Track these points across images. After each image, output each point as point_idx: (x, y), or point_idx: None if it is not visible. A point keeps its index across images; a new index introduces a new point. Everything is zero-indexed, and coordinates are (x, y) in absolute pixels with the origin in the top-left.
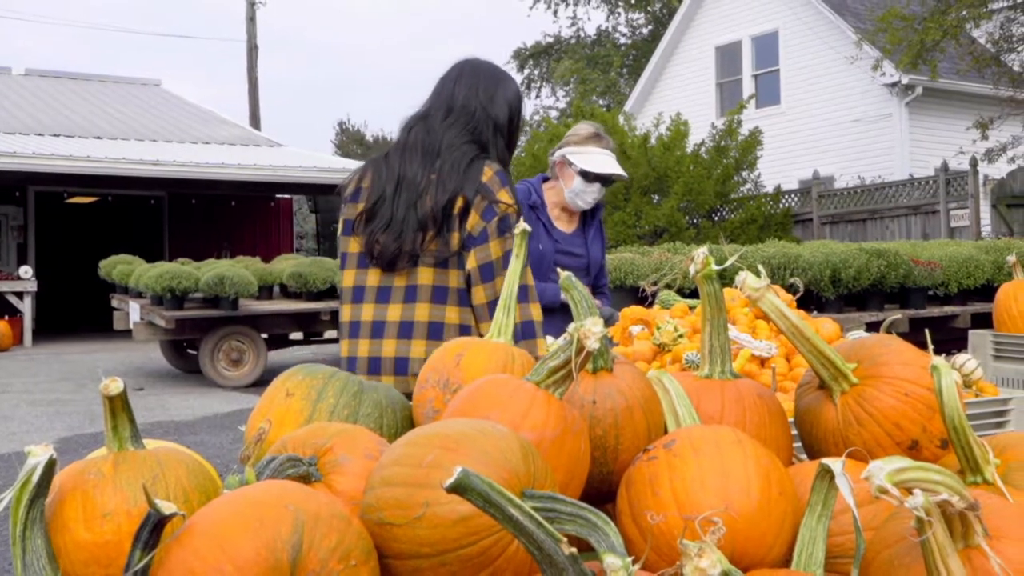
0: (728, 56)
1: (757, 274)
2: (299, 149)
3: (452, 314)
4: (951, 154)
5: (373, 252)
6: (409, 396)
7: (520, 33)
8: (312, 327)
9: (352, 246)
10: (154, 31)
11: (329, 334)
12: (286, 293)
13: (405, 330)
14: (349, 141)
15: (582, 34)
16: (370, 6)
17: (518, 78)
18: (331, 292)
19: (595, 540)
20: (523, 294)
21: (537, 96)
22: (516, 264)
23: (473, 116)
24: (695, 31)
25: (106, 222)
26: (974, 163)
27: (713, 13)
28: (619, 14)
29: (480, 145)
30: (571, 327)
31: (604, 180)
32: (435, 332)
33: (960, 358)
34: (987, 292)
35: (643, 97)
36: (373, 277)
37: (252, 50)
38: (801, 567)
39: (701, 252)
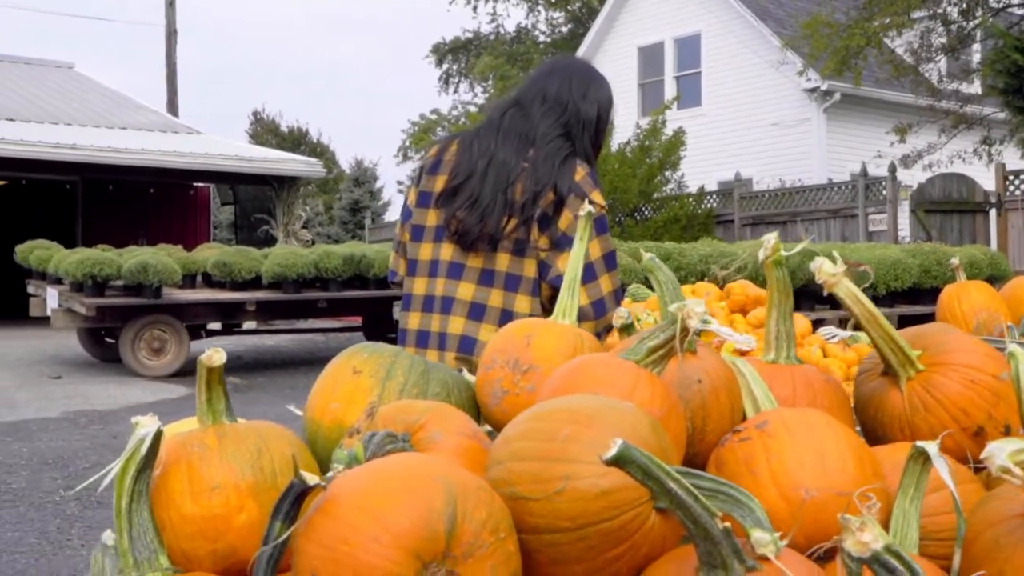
0: (650, 57)
1: (833, 260)
2: (218, 137)
3: (523, 303)
4: (868, 159)
5: (451, 227)
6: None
7: (440, 28)
8: (236, 317)
9: (430, 219)
10: (69, 12)
11: (248, 325)
12: (209, 282)
13: (476, 312)
14: (264, 131)
15: (502, 31)
16: None
17: (436, 73)
18: (256, 282)
19: (739, 515)
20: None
21: (455, 92)
22: (580, 247)
23: (566, 110)
24: (618, 31)
25: (17, 206)
26: (892, 169)
27: (636, 14)
28: (539, 12)
29: (570, 140)
30: (673, 307)
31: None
32: (505, 319)
33: None
34: (913, 295)
35: None
36: (447, 251)
37: (171, 35)
38: None
39: (771, 237)
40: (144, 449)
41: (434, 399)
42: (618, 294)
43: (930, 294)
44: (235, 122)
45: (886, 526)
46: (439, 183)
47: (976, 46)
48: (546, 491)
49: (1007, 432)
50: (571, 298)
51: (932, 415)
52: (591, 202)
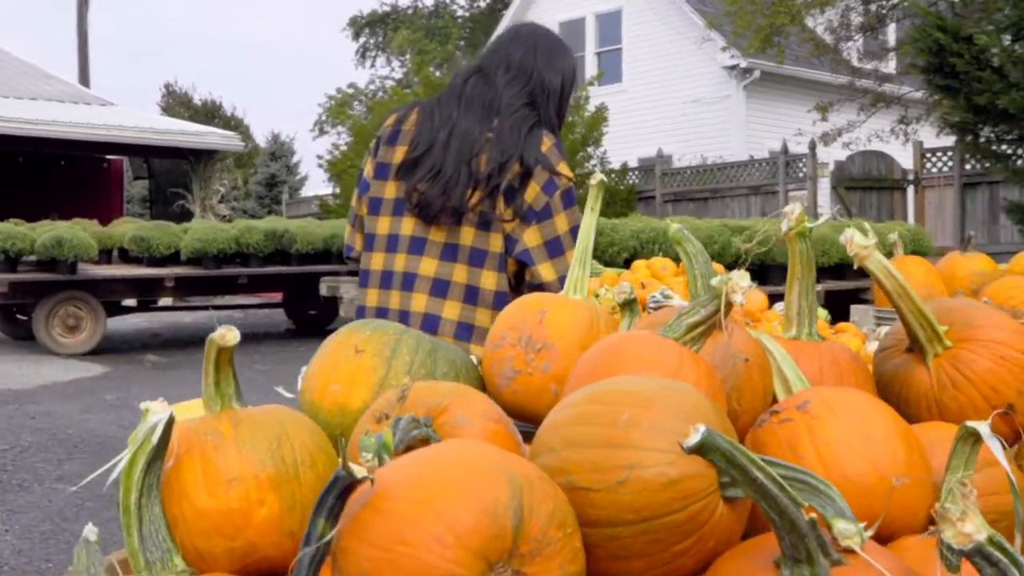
0: (572, 32)
1: (864, 232)
2: (131, 109)
3: (489, 279)
4: (787, 137)
5: (412, 200)
6: None
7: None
8: (154, 293)
9: (388, 191)
10: None
11: (164, 301)
12: (125, 258)
13: (439, 288)
14: (176, 104)
15: (420, 4)
16: None
17: (353, 47)
18: (174, 258)
19: (819, 504)
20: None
21: (372, 66)
22: (592, 218)
23: (531, 78)
24: (539, 6)
25: None
26: (812, 146)
27: None
28: None
29: (535, 109)
30: (715, 280)
31: None
32: (471, 295)
33: (884, 330)
34: (839, 271)
35: None
36: (407, 226)
37: (83, 4)
38: None
39: (796, 207)
40: (155, 439)
41: (442, 379)
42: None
43: (856, 270)
44: (147, 94)
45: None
46: (398, 154)
47: (892, 26)
48: (608, 481)
49: None
50: (582, 271)
51: (962, 393)
52: (559, 174)
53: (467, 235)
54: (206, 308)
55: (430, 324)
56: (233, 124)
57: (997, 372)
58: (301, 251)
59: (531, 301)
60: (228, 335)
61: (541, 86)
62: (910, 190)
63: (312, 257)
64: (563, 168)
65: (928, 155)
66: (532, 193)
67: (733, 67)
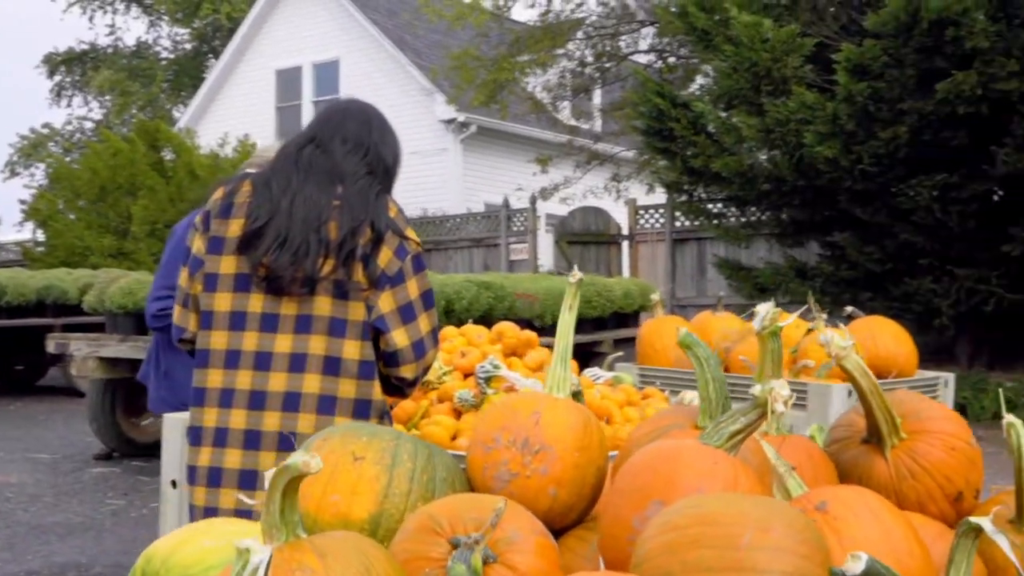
0: (288, 81)
1: (843, 335)
2: None
3: (352, 349)
4: (505, 191)
5: (259, 274)
6: (293, 435)
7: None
8: None
9: (225, 266)
10: None
11: None
12: None
13: (297, 363)
14: None
15: (121, 44)
16: None
17: (48, 84)
18: None
19: None
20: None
21: (69, 105)
22: (571, 316)
23: (368, 151)
24: (255, 52)
25: None
26: (533, 200)
27: (274, 36)
28: (161, 27)
29: (376, 178)
30: (757, 390)
31: None
32: (331, 367)
33: (688, 395)
34: (576, 324)
35: (198, 115)
36: (255, 303)
37: None
38: None
39: (767, 308)
40: None
41: (442, 484)
42: (435, 333)
43: (590, 323)
44: None
45: None
46: (233, 227)
47: (599, 89)
48: None
49: (976, 497)
50: (564, 370)
51: (919, 483)
52: (408, 239)
53: (323, 305)
54: None
55: (291, 401)
56: None
57: (949, 462)
58: (12, 303)
59: (521, 402)
60: (312, 463)
61: (378, 159)
62: (625, 244)
63: (24, 310)
64: (411, 233)
65: (641, 212)
66: (385, 258)
67: (450, 121)
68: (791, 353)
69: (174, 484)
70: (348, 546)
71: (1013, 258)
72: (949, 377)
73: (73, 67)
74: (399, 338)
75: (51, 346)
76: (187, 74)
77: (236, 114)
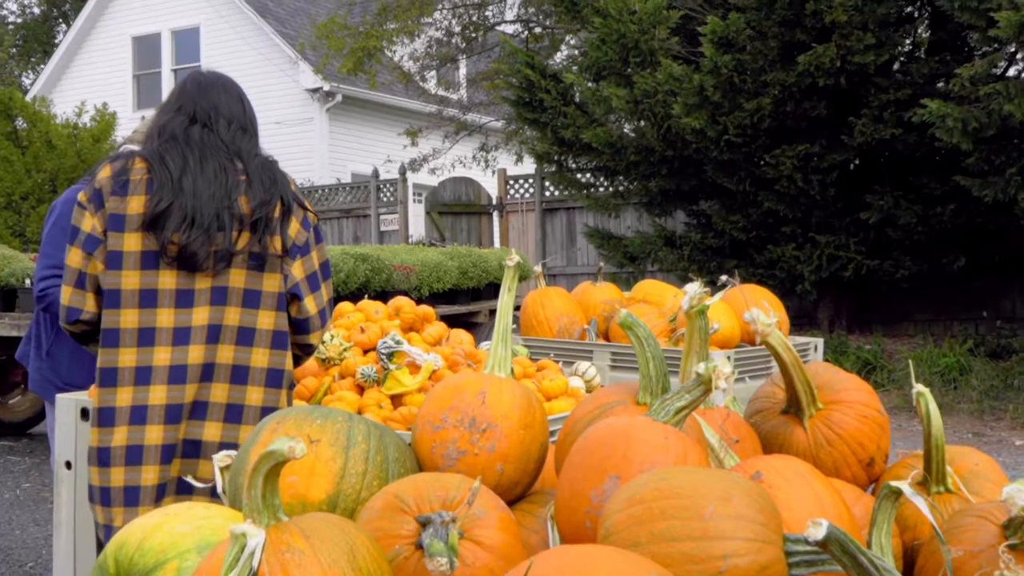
0: (147, 48)
1: (767, 312)
2: None
3: (266, 319)
4: (374, 161)
5: (170, 252)
6: (205, 404)
7: None
8: None
9: (129, 243)
10: None
11: None
12: None
13: (213, 334)
14: None
15: None
16: None
17: None
18: None
19: None
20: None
21: None
22: (510, 297)
23: (246, 127)
24: (110, 18)
25: None
26: (403, 171)
27: (131, 2)
28: None
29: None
30: (701, 367)
31: None
32: (244, 337)
33: (582, 366)
34: (451, 296)
35: (52, 83)
36: (167, 279)
37: None
38: None
39: (695, 287)
40: (255, 563)
41: (395, 464)
42: (332, 302)
43: (466, 294)
44: None
45: None
46: (133, 204)
47: (463, 59)
48: (708, 571)
49: (885, 461)
50: (505, 349)
51: (835, 449)
52: (308, 211)
53: (238, 277)
54: None
55: (207, 373)
56: None
57: (862, 430)
58: None
59: (466, 382)
60: (297, 448)
61: (255, 132)
62: (495, 215)
63: None
64: (309, 205)
65: (511, 182)
66: (294, 229)
67: (316, 90)
68: (669, 322)
69: (68, 465)
70: (331, 526)
71: (870, 225)
72: (819, 342)
73: None
74: (310, 304)
75: None
76: (37, 40)
77: (92, 82)
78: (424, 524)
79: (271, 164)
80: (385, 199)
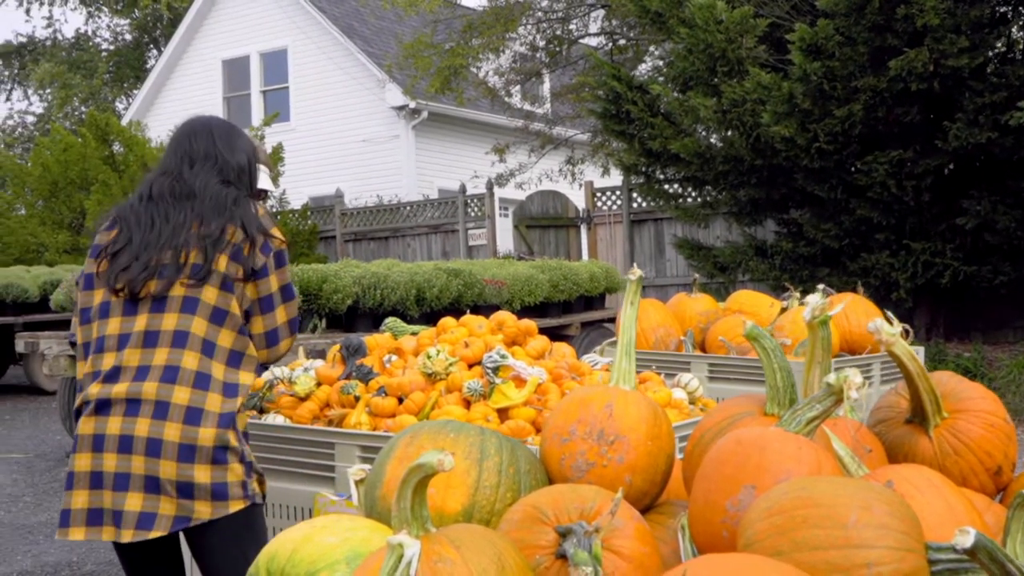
0: (236, 70)
1: (890, 322)
2: None
3: (226, 338)
4: (460, 176)
5: (115, 286)
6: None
7: None
8: None
9: (96, 298)
10: None
11: None
12: None
13: (180, 339)
14: None
15: (59, 36)
16: None
17: None
18: None
19: None
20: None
21: (8, 99)
22: (632, 311)
23: (217, 161)
24: (202, 42)
25: None
26: (490, 186)
27: (220, 27)
28: (100, 18)
29: (232, 186)
30: (832, 377)
31: (263, 195)
32: (179, 340)
33: (684, 378)
34: (543, 308)
35: (145, 107)
36: (114, 325)
37: None
38: None
39: (817, 298)
40: (412, 572)
41: (527, 476)
42: (293, 323)
43: (557, 307)
44: None
45: None
46: (101, 265)
47: (547, 73)
48: None
49: (1012, 470)
50: (629, 363)
51: (962, 459)
52: (273, 237)
53: (210, 293)
54: None
55: (169, 374)
56: None
57: (989, 439)
58: None
59: (592, 395)
60: (447, 461)
61: (229, 167)
62: (582, 227)
63: None
64: (276, 232)
65: (598, 194)
66: (257, 256)
67: (401, 107)
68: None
69: None
70: (477, 537)
71: (966, 231)
72: (919, 350)
73: (11, 60)
74: (255, 324)
75: (20, 345)
76: (129, 65)
77: (185, 105)
78: (564, 535)
79: (224, 198)
80: (472, 214)
